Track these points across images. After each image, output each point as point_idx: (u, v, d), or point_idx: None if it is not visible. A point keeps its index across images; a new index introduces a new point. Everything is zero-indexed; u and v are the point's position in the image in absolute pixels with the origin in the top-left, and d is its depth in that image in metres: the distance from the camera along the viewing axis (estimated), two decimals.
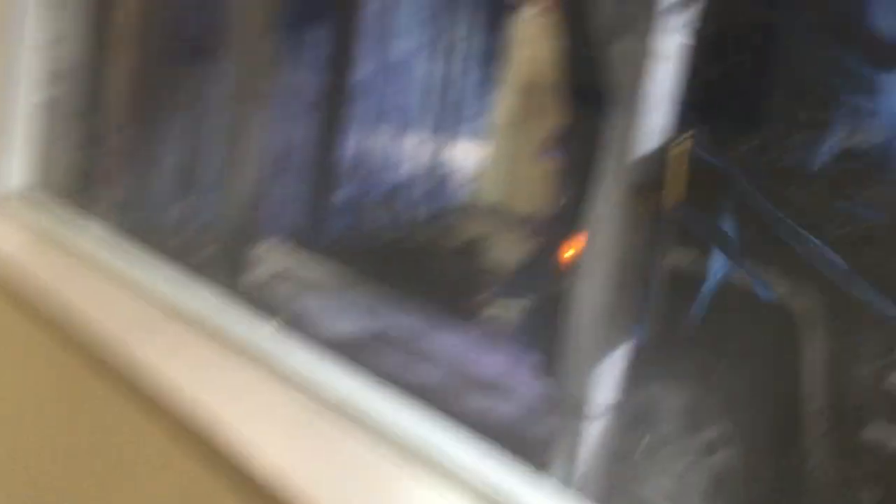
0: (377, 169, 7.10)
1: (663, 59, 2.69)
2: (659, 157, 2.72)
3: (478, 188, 7.34)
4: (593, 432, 2.73)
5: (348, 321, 6.00)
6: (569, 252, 3.45)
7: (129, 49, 5.72)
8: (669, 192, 2.64)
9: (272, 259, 7.07)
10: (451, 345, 5.87)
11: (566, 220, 3.34)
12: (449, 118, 7.46)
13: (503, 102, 6.99)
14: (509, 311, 6.43)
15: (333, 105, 6.93)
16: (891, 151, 2.77)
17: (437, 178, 7.27)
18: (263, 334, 3.08)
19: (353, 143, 7.00)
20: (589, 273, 2.78)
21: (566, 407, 2.76)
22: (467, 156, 7.39)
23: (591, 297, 2.78)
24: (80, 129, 4.79)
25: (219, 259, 4.72)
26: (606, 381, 2.78)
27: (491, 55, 7.01)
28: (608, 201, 2.77)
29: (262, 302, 5.99)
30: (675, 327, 2.70)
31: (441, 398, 4.97)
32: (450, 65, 7.16)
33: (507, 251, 7.66)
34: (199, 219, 6.00)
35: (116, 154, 5.88)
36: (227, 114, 4.95)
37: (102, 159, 5.46)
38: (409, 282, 6.89)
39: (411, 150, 7.36)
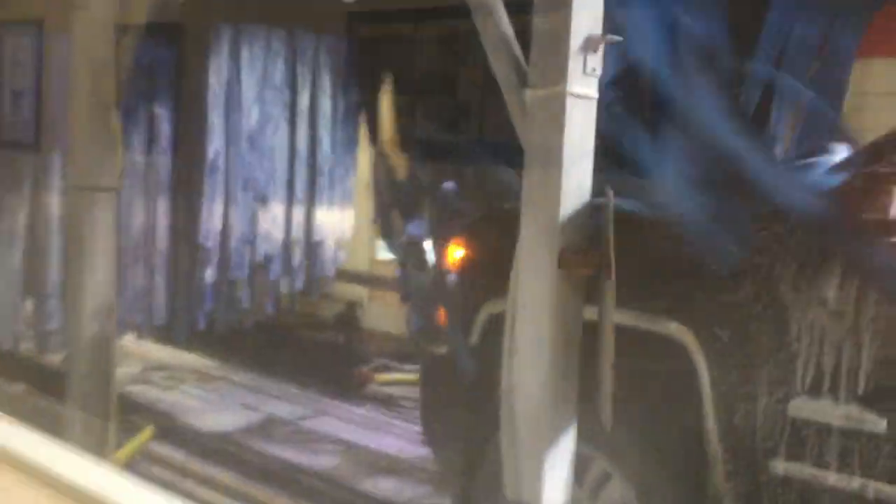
0: (241, 245, 6.65)
1: (580, 109, 2.43)
2: (589, 216, 2.44)
3: (347, 254, 6.99)
4: None
5: (228, 415, 5.51)
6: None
7: None
8: (604, 253, 2.35)
9: (135, 357, 6.49)
10: (342, 425, 5.47)
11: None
12: (312, 184, 7.09)
13: (363, 165, 6.70)
14: (397, 382, 6.10)
15: (187, 184, 6.44)
16: None
17: (305, 249, 6.88)
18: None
19: (213, 221, 6.53)
20: (526, 358, 2.45)
21: None
22: (334, 221, 7.03)
23: (529, 384, 2.45)
24: None
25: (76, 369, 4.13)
26: (557, 476, 2.45)
27: (350, 117, 6.73)
28: (536, 270, 2.46)
29: (130, 405, 5.42)
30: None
31: (341, 484, 4.56)
32: (309, 130, 6.84)
33: (383, 318, 7.33)
34: (47, 325, 5.39)
35: None
36: (66, 205, 4.41)
37: None
38: (287, 363, 6.45)
39: (275, 222, 6.94)
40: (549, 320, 2.44)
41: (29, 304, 5.76)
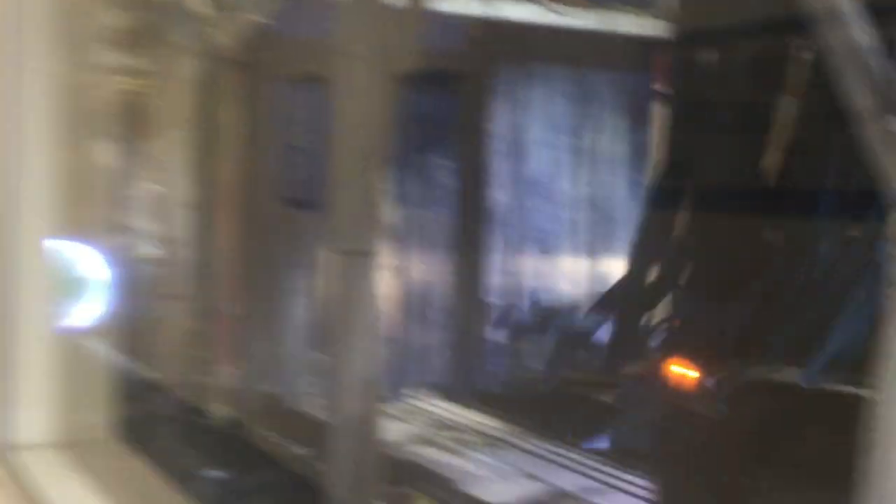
0: (532, 301, 6.17)
1: None
2: None
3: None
4: None
5: (514, 485, 4.99)
6: None
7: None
8: None
9: (415, 418, 6.18)
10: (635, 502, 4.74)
11: None
12: (602, 233, 6.49)
13: None
14: None
15: (470, 236, 6.08)
16: None
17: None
18: None
19: (499, 274, 6.12)
20: None
21: None
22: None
23: None
24: None
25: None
26: None
27: (639, 158, 6.05)
28: None
29: (411, 471, 5.10)
30: None
31: None
32: (594, 174, 6.24)
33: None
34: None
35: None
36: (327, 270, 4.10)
37: None
38: (585, 432, 5.76)
39: (566, 275, 6.41)
40: None
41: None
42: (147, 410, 6.00)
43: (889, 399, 1.74)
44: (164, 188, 7.01)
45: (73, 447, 2.85)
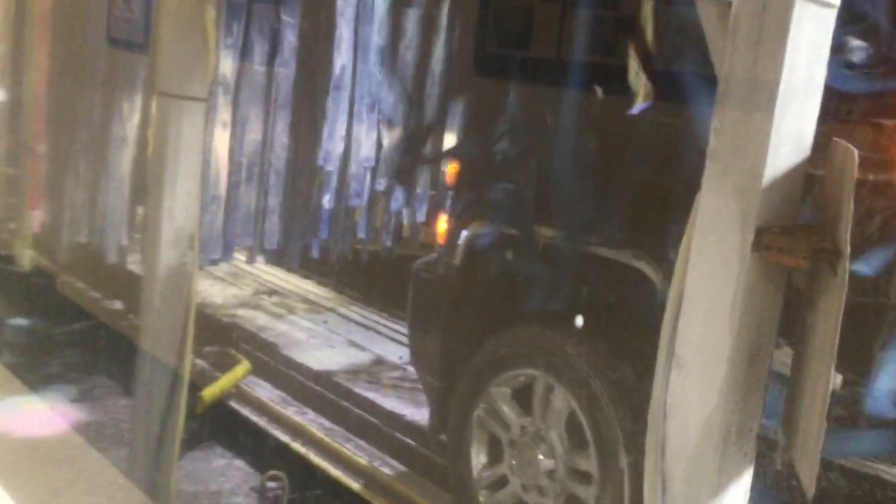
0: (362, 171, 6.07)
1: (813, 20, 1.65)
2: (807, 178, 1.68)
3: None
4: None
5: (334, 353, 5.02)
6: None
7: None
8: (832, 235, 1.59)
9: (246, 280, 6.09)
10: None
11: None
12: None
13: None
14: None
15: (309, 100, 5.87)
16: None
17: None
18: None
19: (334, 142, 5.96)
20: (694, 371, 1.74)
21: None
22: None
23: (696, 408, 1.75)
24: None
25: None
26: None
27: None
28: (719, 253, 1.73)
29: (235, 333, 5.04)
30: None
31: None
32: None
33: None
34: None
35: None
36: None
37: None
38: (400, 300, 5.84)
39: (400, 149, 6.33)
40: (733, 323, 1.71)
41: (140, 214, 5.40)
42: None
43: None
44: None
45: None
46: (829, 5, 1.67)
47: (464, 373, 3.22)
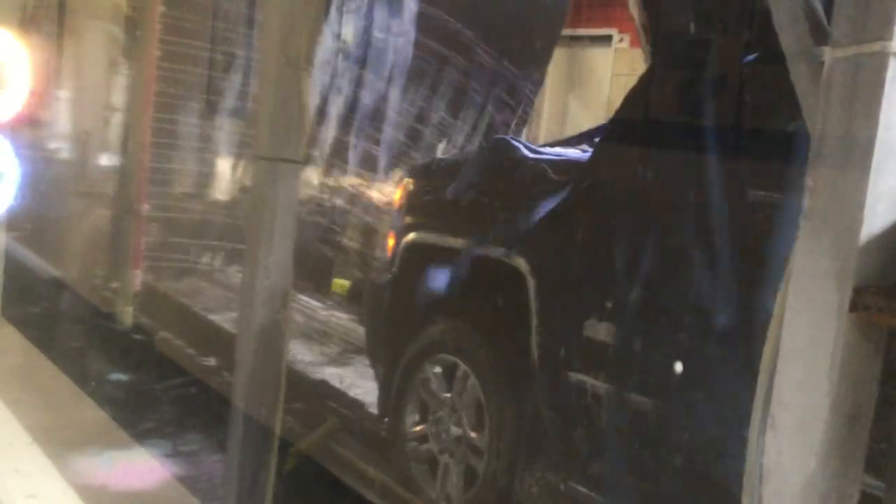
0: None
1: None
2: None
3: None
4: None
5: None
6: None
7: None
8: None
9: (336, 337, 6.16)
10: None
11: None
12: None
13: None
14: None
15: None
16: None
17: None
18: None
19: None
20: (789, 436, 1.70)
21: None
22: None
23: (792, 474, 1.70)
24: None
25: None
26: None
27: None
28: (814, 312, 1.70)
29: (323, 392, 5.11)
30: None
31: None
32: None
33: None
34: None
35: None
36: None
37: None
38: None
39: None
40: (831, 385, 1.67)
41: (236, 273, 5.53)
42: (50, 308, 5.86)
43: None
44: (85, 87, 6.78)
45: None
46: None
47: (404, 357, 3.82)
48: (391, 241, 4.02)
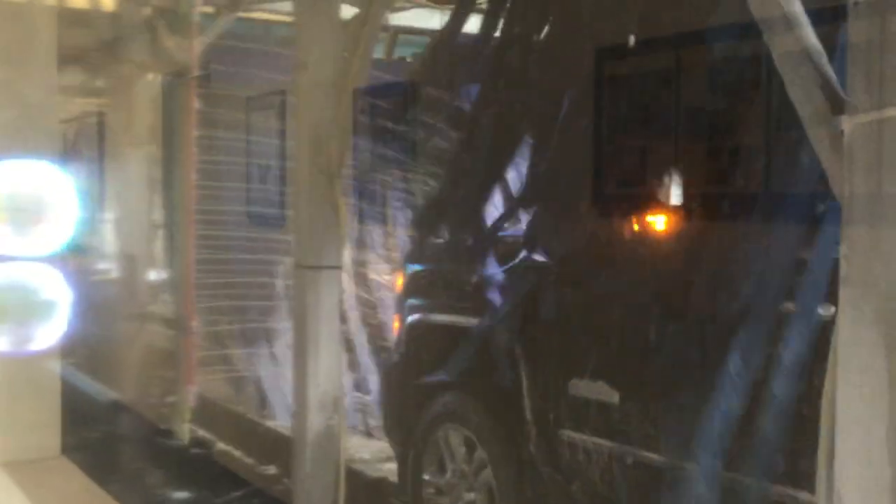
0: None
1: None
2: None
3: None
4: None
5: None
6: None
7: None
8: None
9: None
10: None
11: None
12: None
13: None
14: None
15: None
16: None
17: None
18: None
19: None
20: None
21: None
22: None
23: None
24: None
25: None
26: None
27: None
28: (864, 378, 1.68)
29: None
30: None
31: None
32: None
33: None
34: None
35: None
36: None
37: None
38: None
39: None
40: (892, 454, 1.63)
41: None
42: (109, 431, 5.92)
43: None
44: (129, 208, 6.97)
45: (26, 467, 2.81)
46: None
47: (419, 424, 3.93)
48: (396, 324, 4.18)
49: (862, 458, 1.66)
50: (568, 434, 3.22)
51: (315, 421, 3.63)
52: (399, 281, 4.28)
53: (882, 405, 1.62)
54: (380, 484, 5.09)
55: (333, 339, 3.57)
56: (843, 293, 1.71)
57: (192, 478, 5.18)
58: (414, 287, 4.04)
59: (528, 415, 3.36)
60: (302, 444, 3.68)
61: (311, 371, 3.58)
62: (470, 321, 3.63)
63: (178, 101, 5.85)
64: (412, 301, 4.02)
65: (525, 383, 3.37)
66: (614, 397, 3.05)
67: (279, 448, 4.97)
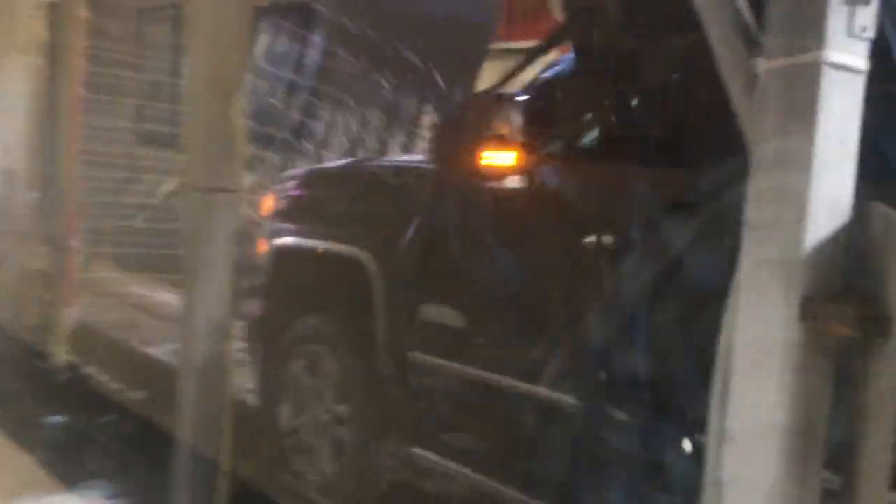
0: None
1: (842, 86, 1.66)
2: (850, 243, 1.66)
3: None
4: None
5: None
6: None
7: None
8: (879, 301, 1.58)
9: None
10: None
11: None
12: None
13: None
14: None
15: None
16: None
17: None
18: None
19: None
20: (746, 447, 1.70)
21: None
22: None
23: (750, 485, 1.70)
24: None
25: None
26: None
27: None
28: (764, 323, 1.71)
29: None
30: None
31: None
32: None
33: None
34: None
35: None
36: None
37: None
38: None
39: None
40: (783, 395, 1.67)
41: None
42: None
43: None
44: (8, 120, 6.59)
45: None
46: (858, 72, 1.68)
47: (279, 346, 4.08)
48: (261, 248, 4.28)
49: (756, 398, 1.69)
50: (418, 355, 3.41)
51: (202, 348, 3.52)
52: (266, 204, 4.35)
53: (778, 346, 1.65)
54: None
55: (227, 264, 3.46)
56: (748, 236, 1.73)
57: (67, 401, 5.01)
58: (281, 211, 4.16)
59: (381, 337, 3.55)
60: (189, 372, 3.57)
61: (199, 297, 3.47)
62: (333, 247, 3.75)
63: (64, 10, 5.53)
64: (278, 225, 4.13)
65: (381, 307, 3.54)
66: (460, 322, 3.28)
67: (154, 375, 4.85)
